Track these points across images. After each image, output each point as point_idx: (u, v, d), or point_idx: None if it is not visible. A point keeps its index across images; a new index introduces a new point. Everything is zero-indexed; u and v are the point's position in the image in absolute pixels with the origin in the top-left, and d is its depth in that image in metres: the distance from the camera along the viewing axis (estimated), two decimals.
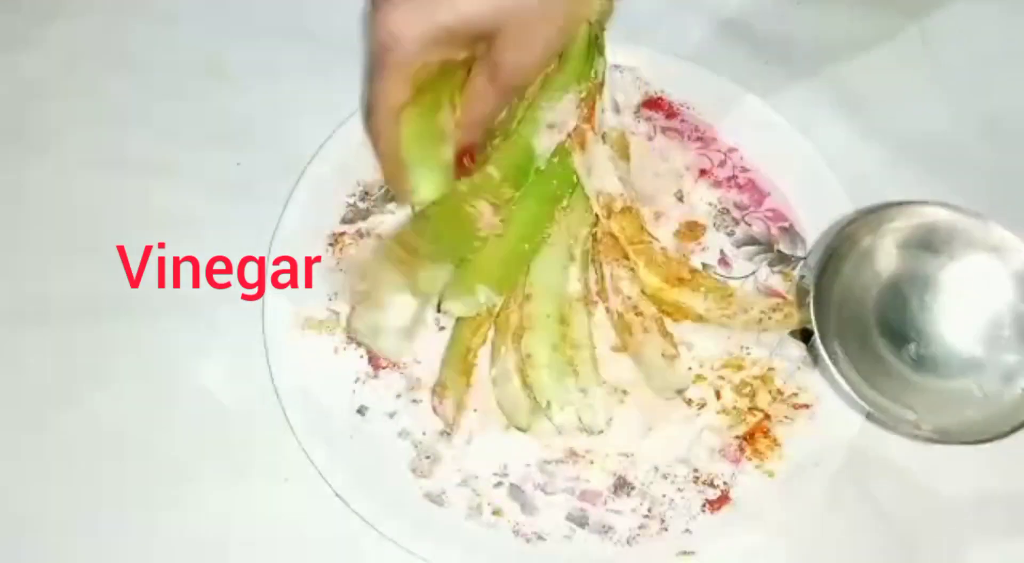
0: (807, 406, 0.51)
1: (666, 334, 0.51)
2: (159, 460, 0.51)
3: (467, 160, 0.52)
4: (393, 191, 0.54)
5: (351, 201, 0.55)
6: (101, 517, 0.50)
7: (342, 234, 0.55)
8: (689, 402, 0.51)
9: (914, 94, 0.59)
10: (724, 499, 0.50)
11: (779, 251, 0.55)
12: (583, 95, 0.52)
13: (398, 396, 0.52)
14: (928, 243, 0.49)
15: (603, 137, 0.53)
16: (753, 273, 0.54)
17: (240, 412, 0.51)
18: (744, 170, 0.56)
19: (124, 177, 0.56)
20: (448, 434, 0.51)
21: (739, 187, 0.56)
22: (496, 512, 0.49)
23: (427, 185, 0.51)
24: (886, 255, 0.49)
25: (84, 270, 0.54)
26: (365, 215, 0.55)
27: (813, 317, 0.47)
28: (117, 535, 0.49)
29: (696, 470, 0.50)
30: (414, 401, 0.51)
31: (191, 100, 0.58)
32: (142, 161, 0.57)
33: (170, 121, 0.58)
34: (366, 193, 0.56)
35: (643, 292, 0.52)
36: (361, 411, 0.51)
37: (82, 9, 0.60)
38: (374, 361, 0.52)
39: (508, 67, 0.48)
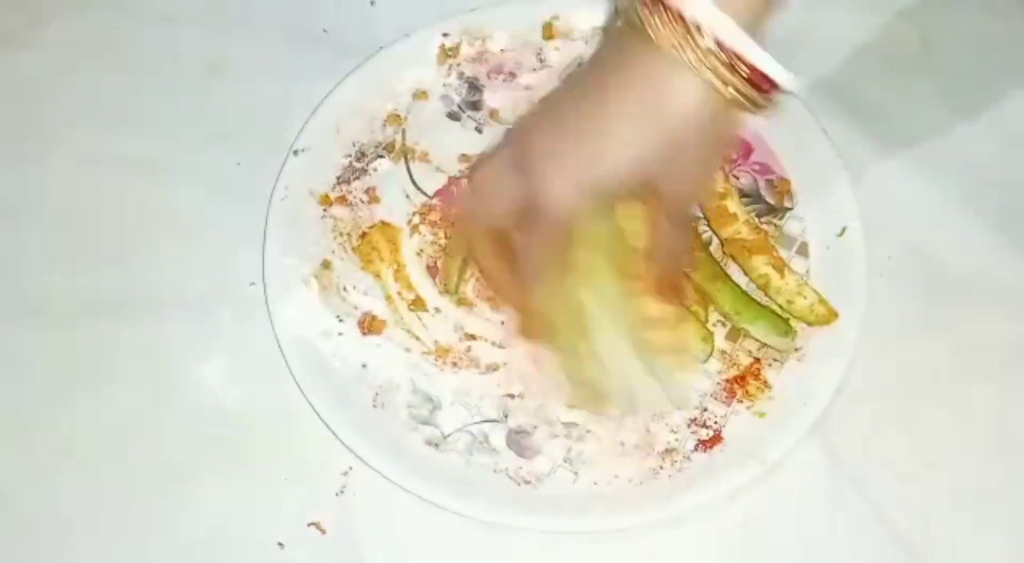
0: (796, 348, 0.52)
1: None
2: (159, 460, 0.51)
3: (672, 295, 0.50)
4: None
5: (346, 161, 0.56)
6: (101, 517, 0.50)
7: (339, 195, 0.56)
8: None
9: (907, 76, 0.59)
10: (717, 439, 0.51)
11: (768, 203, 0.55)
12: None
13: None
14: None
15: None
16: None
17: (240, 412, 0.51)
18: None
19: (124, 177, 0.56)
20: None
21: None
22: (493, 452, 0.51)
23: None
24: None
25: (84, 270, 0.54)
26: (360, 174, 0.56)
27: None
28: (117, 535, 0.49)
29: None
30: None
31: (191, 100, 0.58)
32: (142, 161, 0.56)
33: (170, 121, 0.58)
34: (361, 153, 0.56)
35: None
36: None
37: (82, 9, 0.60)
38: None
39: (673, 199, 0.45)
